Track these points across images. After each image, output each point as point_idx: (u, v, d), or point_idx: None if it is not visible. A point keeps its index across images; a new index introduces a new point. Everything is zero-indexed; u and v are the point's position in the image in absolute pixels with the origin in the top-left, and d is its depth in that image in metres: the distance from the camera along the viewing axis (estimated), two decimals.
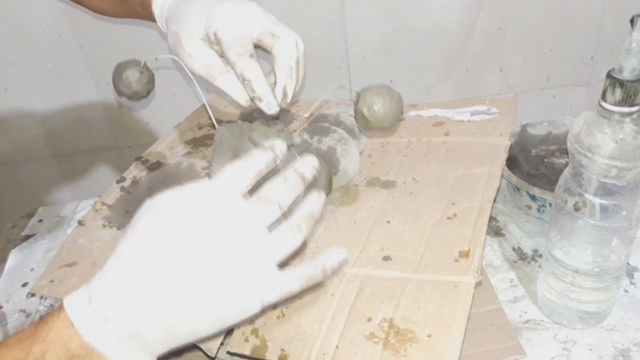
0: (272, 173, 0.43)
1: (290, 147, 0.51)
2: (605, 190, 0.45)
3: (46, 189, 1.02)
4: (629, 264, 0.58)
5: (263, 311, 0.39)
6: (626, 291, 0.55)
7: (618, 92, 0.42)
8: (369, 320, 0.44)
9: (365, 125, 0.54)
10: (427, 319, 0.43)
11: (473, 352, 0.51)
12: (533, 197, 0.63)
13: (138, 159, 0.68)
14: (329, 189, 0.58)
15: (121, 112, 0.98)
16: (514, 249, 0.62)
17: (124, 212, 0.59)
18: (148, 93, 0.61)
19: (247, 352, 0.44)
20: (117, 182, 0.64)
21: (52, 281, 0.53)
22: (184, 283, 0.36)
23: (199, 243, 0.37)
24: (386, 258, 0.49)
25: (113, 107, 0.97)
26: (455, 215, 0.52)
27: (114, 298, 0.36)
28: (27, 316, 0.61)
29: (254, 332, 0.45)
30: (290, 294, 0.39)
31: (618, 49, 0.99)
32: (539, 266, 0.59)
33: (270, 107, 0.53)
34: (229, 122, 0.70)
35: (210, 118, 0.56)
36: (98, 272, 0.37)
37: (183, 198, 0.39)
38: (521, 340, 0.51)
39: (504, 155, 0.58)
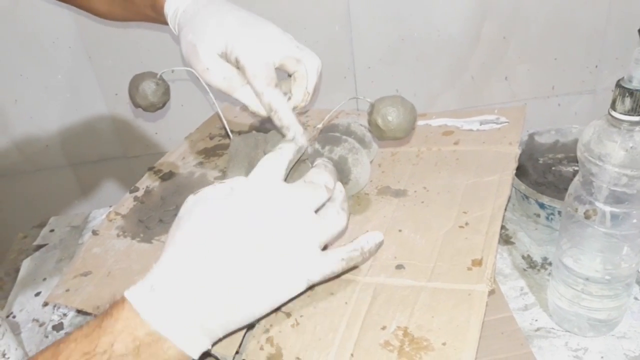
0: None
1: (305, 160, 0.52)
2: (616, 199, 0.45)
3: (56, 199, 1.03)
4: (638, 271, 0.58)
5: (277, 318, 0.41)
6: (637, 299, 0.56)
7: (627, 102, 0.43)
8: (383, 328, 0.44)
9: (379, 135, 0.55)
10: (442, 327, 0.43)
11: None
12: (542, 205, 0.63)
13: (151, 169, 0.68)
14: None
15: (129, 123, 0.98)
16: (523, 257, 0.63)
17: (137, 222, 0.60)
18: (164, 104, 0.62)
19: None
20: (131, 192, 0.65)
21: (67, 290, 0.54)
22: (241, 269, 0.38)
23: (251, 229, 0.39)
24: (399, 267, 0.49)
25: (122, 117, 0.97)
26: (467, 223, 0.52)
27: (177, 288, 0.37)
28: (40, 325, 0.62)
29: (269, 340, 0.45)
30: (332, 274, 0.42)
31: (622, 57, 1.00)
32: (549, 274, 0.59)
33: (296, 136, 0.53)
34: (239, 132, 0.71)
35: (224, 128, 0.57)
36: (155, 263, 0.39)
37: (226, 190, 0.41)
38: (532, 348, 0.51)
39: (514, 164, 0.58)
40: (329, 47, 0.95)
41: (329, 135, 0.60)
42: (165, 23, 0.60)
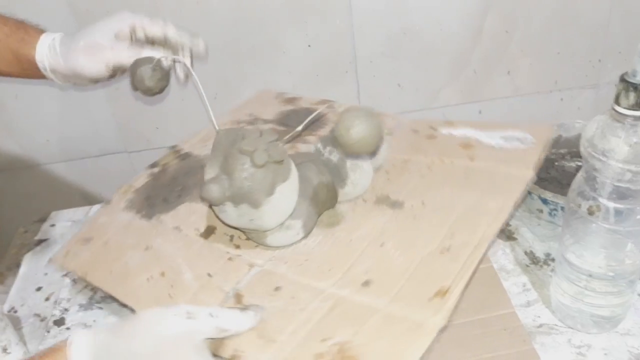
0: None
1: (281, 161, 0.51)
2: (620, 194, 0.45)
3: (57, 194, 1.02)
4: None
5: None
6: None
7: (632, 96, 0.42)
8: (324, 340, 0.44)
9: (341, 147, 0.53)
10: (378, 352, 0.42)
11: (486, 356, 0.51)
12: (545, 201, 0.63)
13: (173, 147, 0.70)
14: (332, 202, 0.58)
15: (130, 118, 0.98)
16: (526, 253, 0.62)
17: (145, 198, 0.62)
18: (161, 90, 0.62)
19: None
20: (149, 167, 0.67)
21: (67, 253, 0.57)
22: None
23: None
24: (366, 283, 0.48)
25: (122, 112, 0.97)
26: (449, 248, 0.49)
27: None
28: (42, 320, 0.62)
29: None
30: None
31: (626, 52, 1.00)
32: (552, 270, 0.59)
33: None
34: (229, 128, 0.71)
35: (211, 121, 0.57)
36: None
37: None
38: (535, 345, 0.51)
39: (521, 189, 0.54)
40: (330, 41, 0.94)
41: (333, 135, 0.60)
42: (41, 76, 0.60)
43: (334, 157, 0.56)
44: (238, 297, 0.50)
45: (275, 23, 0.91)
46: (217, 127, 0.55)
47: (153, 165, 0.67)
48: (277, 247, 0.55)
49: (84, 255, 0.59)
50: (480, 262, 0.48)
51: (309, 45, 0.94)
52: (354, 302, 0.47)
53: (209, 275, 0.53)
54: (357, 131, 0.51)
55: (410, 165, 0.62)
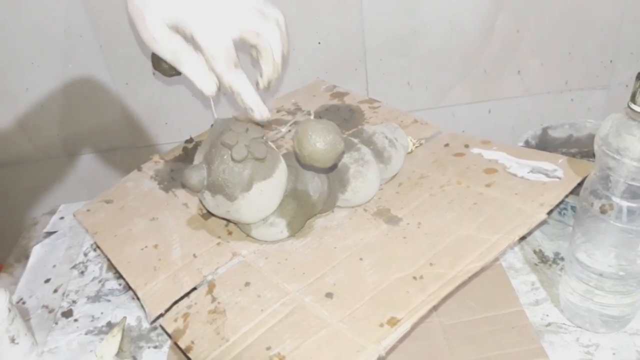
0: None
1: (262, 159, 0.51)
2: (633, 193, 0.44)
3: (65, 188, 1.03)
4: None
5: (205, 299, 0.48)
6: None
7: None
8: (268, 348, 0.44)
9: (298, 159, 0.53)
10: None
11: (494, 354, 0.50)
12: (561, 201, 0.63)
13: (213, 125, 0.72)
14: (328, 205, 0.58)
15: (140, 112, 0.98)
16: (535, 252, 0.62)
17: (170, 171, 0.64)
18: (178, 72, 0.62)
19: (169, 331, 0.48)
20: (186, 142, 0.69)
21: (88, 210, 0.61)
22: None
23: None
24: (329, 295, 0.48)
25: (132, 107, 0.97)
26: (421, 277, 0.48)
27: None
28: (50, 312, 0.62)
29: (185, 316, 0.49)
30: None
31: (638, 52, 0.99)
32: (561, 269, 0.59)
33: (262, 116, 0.53)
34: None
35: (211, 109, 0.58)
36: None
37: None
38: (543, 344, 0.51)
39: (525, 229, 0.51)
40: (341, 39, 0.94)
41: (345, 138, 0.59)
42: None
43: (339, 162, 0.56)
44: (211, 286, 0.52)
45: (285, 20, 0.91)
46: (215, 116, 0.56)
47: (188, 141, 0.71)
48: (264, 242, 0.56)
49: (101, 215, 0.63)
50: (449, 296, 0.47)
51: (319, 43, 0.94)
52: (311, 312, 0.47)
53: (194, 256, 0.55)
54: (310, 145, 0.50)
55: (425, 181, 0.60)
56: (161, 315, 0.50)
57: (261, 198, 0.51)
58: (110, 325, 0.59)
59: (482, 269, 0.48)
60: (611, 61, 1.00)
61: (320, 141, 0.49)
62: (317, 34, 0.93)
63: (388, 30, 0.94)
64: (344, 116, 0.73)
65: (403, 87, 1.00)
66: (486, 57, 0.98)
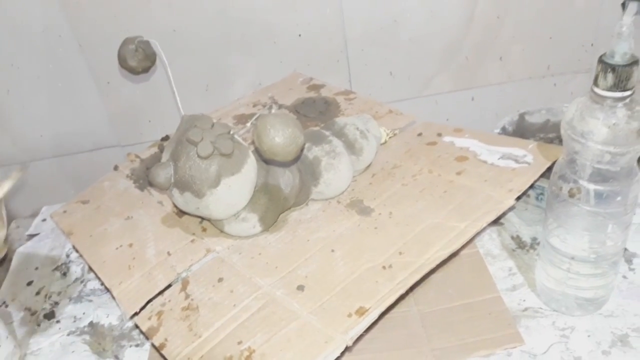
0: None
1: (229, 154, 0.51)
2: (600, 176, 0.44)
3: (50, 189, 1.03)
4: (627, 249, 0.58)
5: (179, 295, 0.48)
6: (625, 277, 0.55)
7: (610, 77, 0.42)
8: (239, 343, 0.45)
9: (259, 153, 0.52)
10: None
11: (471, 340, 0.51)
12: (531, 185, 0.63)
13: None
14: (302, 199, 0.58)
15: (123, 112, 0.98)
16: (512, 238, 0.62)
17: (145, 169, 0.65)
18: (145, 70, 0.64)
19: (144, 329, 0.48)
20: (162, 139, 0.70)
21: (65, 212, 0.61)
22: None
23: None
24: (300, 287, 0.49)
25: (115, 106, 0.97)
26: (390, 266, 0.49)
27: None
28: (32, 314, 0.62)
29: (159, 313, 0.49)
30: None
31: None
32: (538, 254, 0.59)
33: None
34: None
35: (177, 105, 0.58)
36: None
37: None
38: (519, 328, 0.51)
39: (493, 216, 0.52)
40: (321, 31, 0.94)
41: (316, 131, 0.59)
42: None
43: (311, 154, 0.56)
44: (184, 283, 0.52)
45: (265, 13, 0.91)
46: (182, 112, 0.56)
47: (164, 139, 0.71)
48: (238, 237, 0.56)
49: (77, 215, 0.64)
50: (417, 284, 0.47)
51: (300, 35, 0.94)
52: (282, 305, 0.48)
53: (169, 253, 0.56)
54: (269, 139, 0.50)
55: (398, 171, 0.61)
56: (136, 313, 0.50)
57: (230, 194, 0.51)
58: (92, 326, 0.59)
59: (452, 256, 0.48)
60: (592, 44, 0.99)
61: (279, 135, 0.49)
62: (298, 26, 0.93)
63: (369, 21, 0.94)
64: (320, 109, 0.73)
65: (385, 77, 0.99)
66: (468, 45, 0.98)
